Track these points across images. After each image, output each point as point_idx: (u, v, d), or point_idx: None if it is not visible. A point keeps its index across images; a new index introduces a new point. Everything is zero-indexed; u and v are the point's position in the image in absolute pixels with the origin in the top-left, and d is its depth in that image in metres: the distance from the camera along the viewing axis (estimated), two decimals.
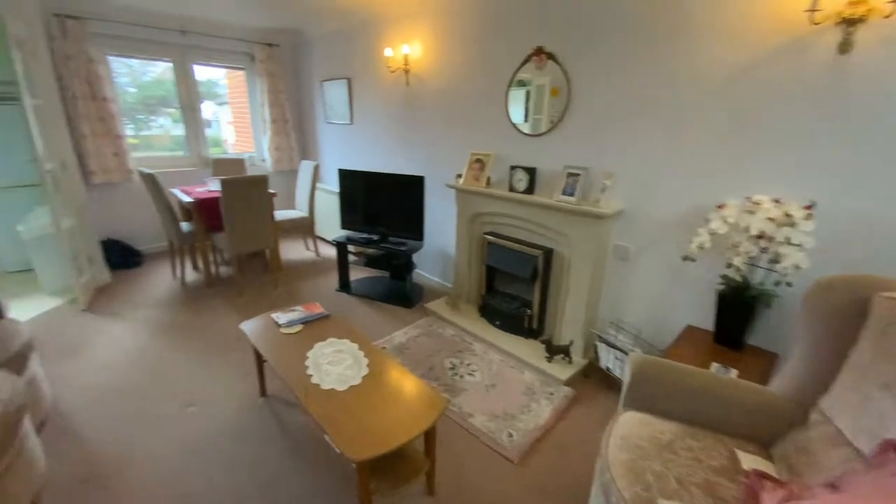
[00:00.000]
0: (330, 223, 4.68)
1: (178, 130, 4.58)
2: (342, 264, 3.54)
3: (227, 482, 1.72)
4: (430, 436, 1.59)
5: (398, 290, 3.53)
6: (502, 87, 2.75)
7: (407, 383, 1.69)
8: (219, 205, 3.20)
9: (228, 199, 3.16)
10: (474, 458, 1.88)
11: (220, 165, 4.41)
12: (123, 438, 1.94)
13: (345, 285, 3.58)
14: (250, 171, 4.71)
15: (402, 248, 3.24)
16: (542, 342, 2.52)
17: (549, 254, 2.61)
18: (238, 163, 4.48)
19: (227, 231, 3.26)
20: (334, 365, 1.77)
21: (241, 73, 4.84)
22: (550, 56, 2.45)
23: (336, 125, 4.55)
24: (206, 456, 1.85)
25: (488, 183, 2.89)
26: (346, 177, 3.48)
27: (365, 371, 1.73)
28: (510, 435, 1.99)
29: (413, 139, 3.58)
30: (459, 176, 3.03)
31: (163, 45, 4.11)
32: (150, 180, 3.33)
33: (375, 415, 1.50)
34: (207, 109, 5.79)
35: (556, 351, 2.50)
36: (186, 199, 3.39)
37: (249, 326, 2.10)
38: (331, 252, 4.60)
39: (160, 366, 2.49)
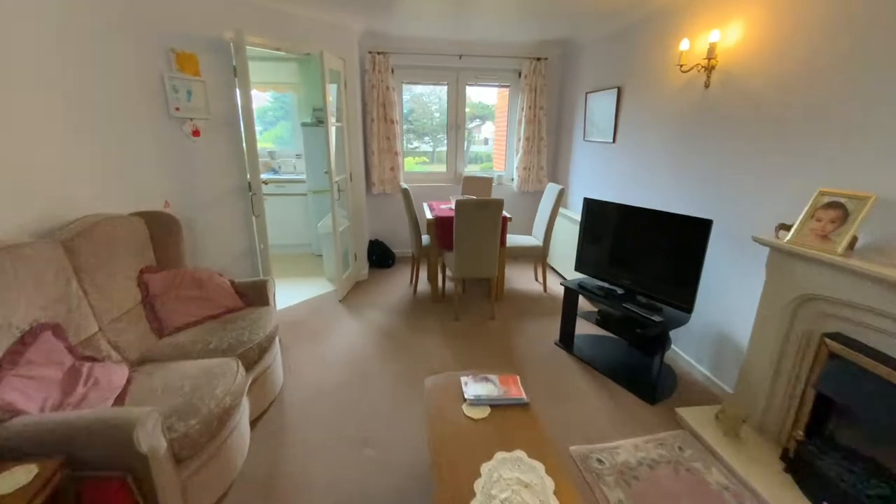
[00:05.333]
0: (567, 256, 4.04)
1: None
2: (567, 315, 2.85)
3: None
4: None
5: (638, 367, 2.56)
6: None
7: None
8: (452, 224, 3.09)
9: (460, 221, 2.99)
10: None
11: (469, 183, 4.46)
12: (312, 454, 1.90)
13: (567, 340, 2.88)
14: (496, 191, 4.62)
15: (655, 318, 2.27)
16: None
17: None
18: (485, 181, 4.42)
19: (454, 253, 3.12)
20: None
21: (506, 91, 4.81)
22: None
23: (594, 143, 3.85)
24: None
25: (852, 247, 1.60)
26: (593, 208, 2.75)
27: None
28: None
29: (698, 164, 2.51)
30: (785, 227, 1.83)
31: (442, 70, 4.44)
32: (405, 195, 3.55)
33: None
34: (486, 129, 6.22)
35: None
36: (428, 215, 3.45)
37: (433, 383, 1.73)
38: (560, 288, 3.97)
39: (364, 381, 2.48)
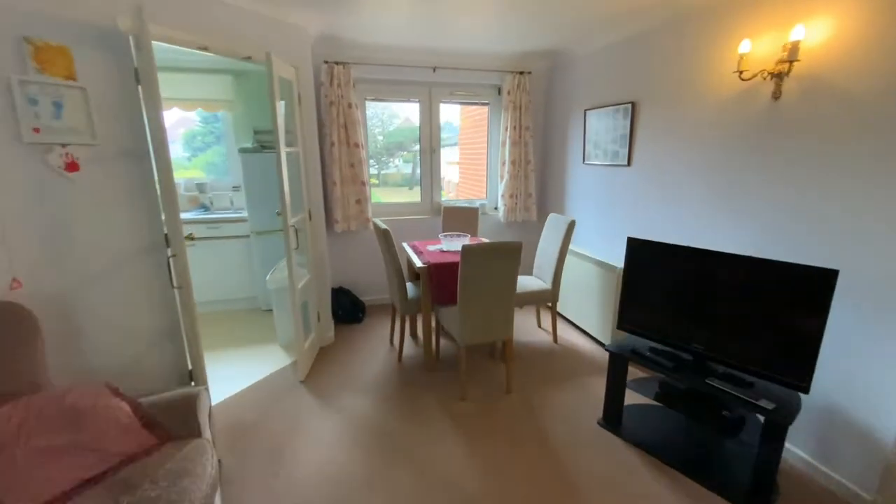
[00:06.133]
0: (576, 298, 3.45)
1: (407, 169, 4.31)
2: (614, 388, 2.20)
3: None
4: None
5: (713, 453, 1.97)
6: None
7: None
8: (452, 274, 2.37)
9: (469, 273, 2.27)
10: None
11: (451, 215, 3.80)
12: None
13: (613, 419, 2.23)
14: (481, 221, 3.97)
15: (763, 404, 1.67)
16: None
17: None
18: (470, 213, 3.78)
19: (460, 315, 2.38)
20: None
21: (480, 109, 4.25)
22: None
23: (598, 167, 3.35)
24: None
25: None
26: (643, 251, 2.16)
27: None
28: None
29: (764, 194, 2.02)
30: None
31: (413, 86, 3.79)
32: (384, 237, 2.78)
33: None
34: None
35: None
36: (418, 262, 2.70)
37: None
38: (569, 336, 3.36)
39: None
